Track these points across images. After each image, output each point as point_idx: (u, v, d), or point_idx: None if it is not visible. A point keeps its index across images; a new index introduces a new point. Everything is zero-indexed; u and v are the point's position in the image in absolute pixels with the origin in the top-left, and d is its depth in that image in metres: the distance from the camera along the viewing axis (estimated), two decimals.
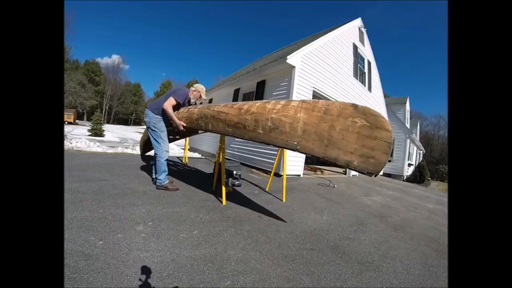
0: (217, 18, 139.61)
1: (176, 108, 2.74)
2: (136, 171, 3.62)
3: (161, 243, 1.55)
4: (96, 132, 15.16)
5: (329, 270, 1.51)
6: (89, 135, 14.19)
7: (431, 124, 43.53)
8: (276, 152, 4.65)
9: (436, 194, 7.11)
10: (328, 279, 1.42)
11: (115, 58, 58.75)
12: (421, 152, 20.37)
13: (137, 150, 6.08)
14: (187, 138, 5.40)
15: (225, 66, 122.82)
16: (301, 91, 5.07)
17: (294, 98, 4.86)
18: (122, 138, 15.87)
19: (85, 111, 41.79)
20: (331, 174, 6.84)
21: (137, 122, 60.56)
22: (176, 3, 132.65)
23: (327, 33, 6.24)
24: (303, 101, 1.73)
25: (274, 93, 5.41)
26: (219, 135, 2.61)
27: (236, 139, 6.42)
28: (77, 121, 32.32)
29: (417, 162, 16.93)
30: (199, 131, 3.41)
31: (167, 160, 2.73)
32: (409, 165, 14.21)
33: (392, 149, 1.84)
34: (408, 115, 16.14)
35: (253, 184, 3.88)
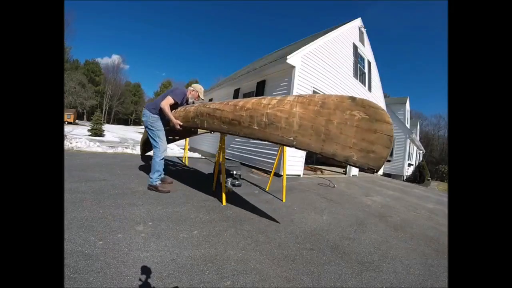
0: (217, 18, 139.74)
1: (173, 107, 2.73)
2: (136, 171, 3.62)
3: (161, 243, 1.55)
4: (96, 132, 15.16)
5: (329, 270, 1.51)
6: (89, 135, 14.19)
7: (431, 124, 43.55)
8: (276, 152, 4.65)
9: (436, 194, 7.11)
10: (328, 279, 1.42)
11: (115, 58, 58.82)
12: (421, 152, 20.37)
13: (137, 150, 6.08)
14: (187, 138, 5.40)
15: (225, 66, 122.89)
16: (301, 91, 5.07)
17: None
18: (122, 138, 15.87)
19: (85, 111, 41.80)
20: (331, 174, 6.84)
21: (137, 122, 60.54)
22: (176, 3, 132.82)
23: (327, 33, 6.23)
24: (299, 96, 1.68)
25: (274, 93, 5.40)
26: (219, 135, 2.61)
27: (236, 139, 6.42)
28: (77, 121, 32.32)
29: (417, 162, 16.93)
30: (198, 132, 3.41)
31: (164, 160, 2.71)
32: (409, 165, 14.21)
33: (392, 149, 1.77)
34: (408, 115, 16.14)
35: (253, 184, 3.88)
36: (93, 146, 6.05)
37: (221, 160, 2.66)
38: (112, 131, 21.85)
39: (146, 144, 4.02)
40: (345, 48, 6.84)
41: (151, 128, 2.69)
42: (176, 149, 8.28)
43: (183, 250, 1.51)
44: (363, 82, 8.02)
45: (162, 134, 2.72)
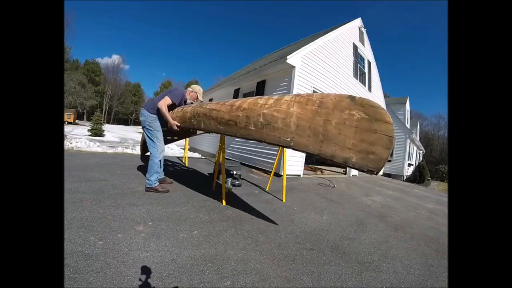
0: (217, 18, 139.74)
1: (171, 108, 2.70)
2: (136, 171, 3.62)
3: (161, 243, 1.55)
4: (96, 132, 15.16)
5: (329, 270, 1.51)
6: (89, 135, 14.19)
7: (431, 124, 43.57)
8: (276, 152, 4.65)
9: (436, 194, 7.11)
10: (328, 279, 1.42)
11: (115, 58, 58.83)
12: (421, 152, 20.37)
13: (137, 150, 6.08)
14: (187, 138, 5.40)
15: (225, 66, 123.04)
16: (301, 91, 5.07)
17: None
18: (122, 138, 15.87)
19: (85, 111, 41.80)
20: (331, 174, 6.84)
21: (137, 122, 60.45)
22: (176, 3, 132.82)
23: (327, 33, 6.24)
24: (297, 95, 1.64)
25: (274, 93, 5.41)
26: (219, 135, 2.61)
27: (236, 139, 6.42)
28: (77, 121, 32.33)
29: (417, 162, 16.93)
30: (198, 132, 3.40)
31: (161, 160, 2.68)
32: (409, 165, 14.21)
33: (392, 149, 1.73)
34: (408, 115, 16.14)
35: (253, 184, 3.88)
36: (93, 146, 6.05)
37: (221, 160, 2.66)
38: (112, 131, 21.85)
39: (146, 145, 4.02)
40: (345, 48, 6.84)
41: (149, 128, 2.66)
42: (176, 149, 8.28)
43: (183, 250, 1.51)
44: (363, 82, 8.02)
45: (160, 134, 2.69)
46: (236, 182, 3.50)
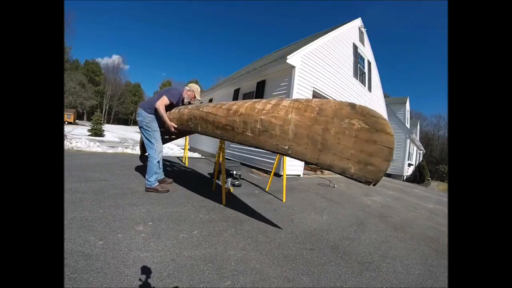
0: (217, 18, 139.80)
1: (169, 108, 2.64)
2: (136, 171, 3.62)
3: (161, 243, 1.55)
4: (96, 132, 15.17)
5: (329, 270, 1.51)
6: (89, 135, 14.19)
7: (431, 124, 43.58)
8: None
9: (436, 194, 7.11)
10: (328, 279, 1.42)
11: (115, 58, 58.86)
12: (421, 152, 20.37)
13: (137, 150, 6.08)
14: (187, 138, 5.40)
15: (225, 66, 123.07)
16: (301, 91, 5.07)
17: (294, 98, 4.85)
18: (122, 138, 15.88)
19: (85, 111, 41.81)
20: (331, 174, 6.83)
21: (137, 122, 60.40)
22: (176, 3, 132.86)
23: (327, 33, 6.24)
24: (295, 100, 1.59)
25: (274, 93, 5.41)
26: None
27: None
28: (77, 121, 32.34)
29: (417, 162, 16.94)
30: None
31: (160, 161, 2.63)
32: (409, 165, 14.21)
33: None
34: (408, 115, 16.15)
35: (253, 184, 3.88)
36: (93, 146, 6.05)
37: (221, 160, 2.65)
38: (112, 131, 21.86)
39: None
40: (345, 48, 6.84)
41: (147, 129, 2.60)
42: (176, 149, 8.28)
43: (183, 250, 1.51)
44: (363, 82, 8.02)
45: (157, 135, 2.64)
46: (236, 182, 3.50)
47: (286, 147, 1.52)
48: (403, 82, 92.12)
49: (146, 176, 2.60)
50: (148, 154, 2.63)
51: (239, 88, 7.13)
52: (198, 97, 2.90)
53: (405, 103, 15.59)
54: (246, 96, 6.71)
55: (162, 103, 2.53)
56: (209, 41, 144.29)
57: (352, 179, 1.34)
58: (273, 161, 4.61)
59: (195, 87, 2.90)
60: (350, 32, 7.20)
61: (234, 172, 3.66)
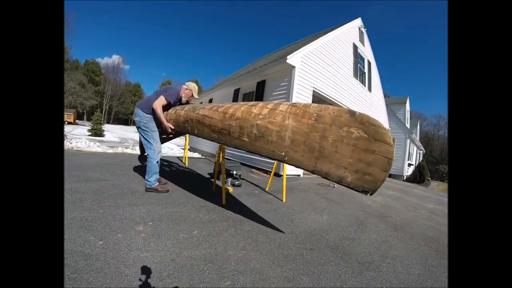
0: (217, 18, 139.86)
1: (166, 107, 2.61)
2: (136, 171, 3.62)
3: (161, 243, 1.55)
4: (96, 132, 15.17)
5: (329, 270, 1.51)
6: (89, 135, 14.20)
7: (431, 124, 43.60)
8: None
9: (436, 194, 7.11)
10: (328, 279, 1.42)
11: (115, 58, 58.86)
12: (421, 152, 20.38)
13: (137, 150, 6.08)
14: (187, 138, 5.40)
15: (225, 66, 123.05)
16: (301, 91, 5.07)
17: (294, 98, 4.86)
18: (122, 138, 15.88)
19: (85, 111, 41.82)
20: None
21: None
22: (176, 3, 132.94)
23: (327, 33, 6.24)
24: (292, 105, 1.55)
25: (274, 93, 5.41)
26: None
27: None
28: (77, 121, 32.35)
29: (417, 162, 16.94)
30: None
31: (159, 161, 2.60)
32: (409, 165, 14.22)
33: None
34: (408, 115, 16.15)
35: (253, 184, 3.88)
36: (93, 146, 6.06)
37: (221, 160, 2.65)
38: (112, 131, 21.86)
39: None
40: (345, 48, 6.84)
41: (145, 129, 2.57)
42: (176, 149, 8.29)
43: (183, 250, 1.51)
44: (363, 82, 8.02)
45: (156, 135, 2.61)
46: (236, 182, 3.50)
47: (283, 153, 1.50)
48: (403, 82, 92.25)
49: (146, 176, 2.59)
50: (147, 154, 2.60)
51: (239, 88, 7.13)
52: (195, 95, 2.86)
53: (405, 103, 15.60)
54: (246, 96, 6.71)
55: (159, 103, 2.50)
56: (209, 41, 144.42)
57: (349, 188, 1.32)
58: (273, 161, 4.61)
59: (192, 85, 2.85)
60: (350, 32, 7.20)
61: (234, 172, 3.66)
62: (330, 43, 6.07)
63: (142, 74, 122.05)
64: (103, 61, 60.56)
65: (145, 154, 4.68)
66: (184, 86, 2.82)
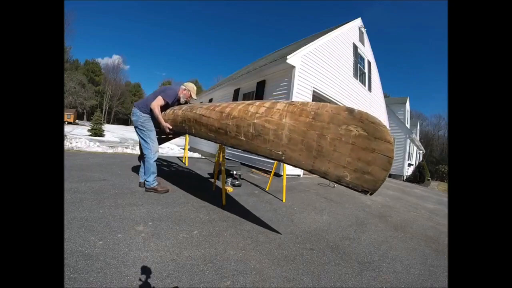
0: (217, 18, 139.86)
1: (164, 108, 2.60)
2: (136, 171, 3.62)
3: (161, 243, 1.55)
4: (96, 132, 15.18)
5: (329, 270, 1.51)
6: (89, 135, 14.20)
7: (431, 124, 43.62)
8: None
9: (436, 194, 7.11)
10: (328, 279, 1.42)
11: (115, 58, 58.90)
12: (421, 152, 20.38)
13: (137, 150, 6.08)
14: (187, 139, 5.40)
15: (225, 66, 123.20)
16: (301, 91, 5.07)
17: (294, 98, 4.86)
18: (122, 138, 15.88)
19: (85, 111, 41.81)
20: None
21: None
22: (176, 3, 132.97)
23: (327, 33, 6.24)
24: (290, 104, 1.53)
25: (274, 93, 5.41)
26: None
27: None
28: (77, 121, 32.36)
29: (417, 162, 16.93)
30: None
31: (156, 161, 2.60)
32: (409, 165, 14.21)
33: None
34: (408, 115, 16.15)
35: (253, 184, 3.88)
36: (93, 146, 6.06)
37: (221, 160, 2.65)
38: (112, 131, 21.85)
39: None
40: (345, 48, 6.84)
41: (142, 128, 2.57)
42: (176, 149, 8.29)
43: (183, 250, 1.51)
44: (363, 82, 8.02)
45: (153, 134, 2.60)
46: (236, 182, 3.50)
47: (280, 152, 1.48)
48: (403, 82, 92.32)
49: (144, 176, 2.59)
50: (144, 154, 2.60)
51: (239, 88, 7.13)
52: (194, 96, 2.85)
53: (405, 103, 15.59)
54: (246, 96, 6.71)
55: (157, 103, 2.49)
56: (209, 41, 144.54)
57: (348, 187, 1.29)
58: (273, 161, 4.61)
59: (190, 86, 2.84)
60: (350, 32, 7.20)
61: (234, 172, 3.66)
62: (330, 43, 6.07)
63: (142, 74, 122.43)
64: (103, 61, 60.70)
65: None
66: (183, 87, 2.81)
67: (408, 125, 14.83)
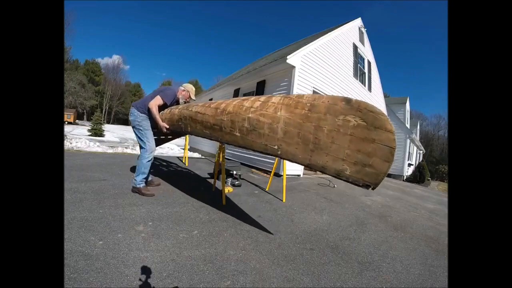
0: (217, 18, 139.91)
1: (162, 108, 2.58)
2: None
3: (161, 243, 1.55)
4: (96, 132, 15.18)
5: (329, 270, 1.51)
6: (89, 135, 14.20)
7: (431, 124, 43.62)
8: None
9: (436, 194, 7.11)
10: (328, 279, 1.42)
11: (115, 58, 58.92)
12: (421, 152, 20.37)
13: (137, 150, 6.08)
14: (187, 138, 5.40)
15: (225, 66, 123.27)
16: (301, 91, 5.07)
17: None
18: (122, 138, 15.87)
19: (85, 111, 41.82)
20: None
21: None
22: (176, 3, 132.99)
23: (327, 33, 6.24)
24: (285, 97, 1.48)
25: (274, 93, 5.41)
26: None
27: None
28: (77, 121, 32.36)
29: (417, 162, 16.93)
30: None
31: (151, 161, 2.55)
32: (409, 165, 14.21)
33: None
34: (408, 115, 16.15)
35: (253, 184, 3.88)
36: (93, 146, 6.06)
37: (221, 160, 2.65)
38: (112, 131, 21.85)
39: None
40: (345, 48, 6.84)
41: (139, 127, 2.54)
42: (176, 149, 8.29)
43: (183, 250, 1.51)
44: (363, 82, 8.02)
45: (149, 134, 2.58)
46: (236, 182, 3.50)
47: (276, 147, 1.42)
48: (403, 82, 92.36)
49: (134, 175, 2.53)
50: (140, 153, 2.58)
51: (239, 88, 7.13)
52: (193, 97, 2.83)
53: (405, 103, 15.59)
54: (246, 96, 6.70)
55: (155, 103, 2.48)
56: (209, 41, 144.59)
57: (349, 182, 1.22)
58: (273, 161, 4.61)
59: (189, 87, 2.82)
60: (350, 32, 7.20)
61: (234, 172, 3.66)
62: (330, 43, 6.07)
63: (142, 74, 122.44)
64: (103, 61, 60.72)
65: None
66: (181, 88, 2.78)
67: (408, 125, 14.83)
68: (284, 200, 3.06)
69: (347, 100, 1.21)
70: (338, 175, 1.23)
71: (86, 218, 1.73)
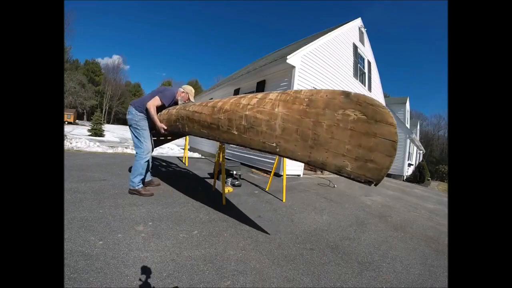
0: (217, 18, 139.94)
1: (160, 109, 2.54)
2: None
3: (161, 243, 1.55)
4: (96, 132, 15.18)
5: (329, 270, 1.51)
6: (89, 135, 14.20)
7: (431, 124, 43.63)
8: None
9: (436, 194, 7.11)
10: (328, 279, 1.42)
11: (116, 58, 58.95)
12: (421, 152, 20.37)
13: None
14: (187, 139, 5.40)
15: (225, 66, 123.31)
16: None
17: None
18: (122, 138, 15.87)
19: (85, 111, 41.82)
20: (331, 174, 6.83)
21: None
22: (176, 3, 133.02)
23: (327, 33, 6.24)
24: (283, 93, 1.46)
25: None
26: None
27: None
28: (77, 121, 32.36)
29: (417, 162, 16.93)
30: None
31: (148, 162, 2.53)
32: (409, 165, 14.21)
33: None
34: (408, 115, 16.15)
35: (253, 184, 3.88)
36: (93, 146, 6.06)
37: (221, 160, 2.65)
38: (112, 131, 21.85)
39: None
40: (345, 48, 6.84)
41: (136, 127, 2.51)
42: (176, 149, 8.29)
43: (183, 250, 1.51)
44: (363, 82, 8.02)
45: (147, 134, 2.55)
46: (236, 182, 3.50)
47: (274, 144, 1.39)
48: (403, 82, 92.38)
49: (130, 176, 2.49)
50: (136, 153, 2.54)
51: (239, 88, 7.13)
52: (192, 99, 2.79)
53: (405, 103, 15.59)
54: None
55: (154, 103, 2.45)
56: (209, 41, 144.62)
57: (350, 178, 1.18)
58: (273, 161, 4.61)
59: (189, 89, 2.78)
60: (350, 32, 7.20)
61: (234, 172, 3.66)
62: (330, 43, 6.07)
63: (142, 74, 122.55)
64: (103, 61, 60.75)
65: None
66: (181, 89, 2.74)
67: (408, 125, 14.84)
68: (284, 200, 3.06)
69: (346, 94, 1.18)
70: (339, 172, 1.20)
71: (86, 218, 1.73)
